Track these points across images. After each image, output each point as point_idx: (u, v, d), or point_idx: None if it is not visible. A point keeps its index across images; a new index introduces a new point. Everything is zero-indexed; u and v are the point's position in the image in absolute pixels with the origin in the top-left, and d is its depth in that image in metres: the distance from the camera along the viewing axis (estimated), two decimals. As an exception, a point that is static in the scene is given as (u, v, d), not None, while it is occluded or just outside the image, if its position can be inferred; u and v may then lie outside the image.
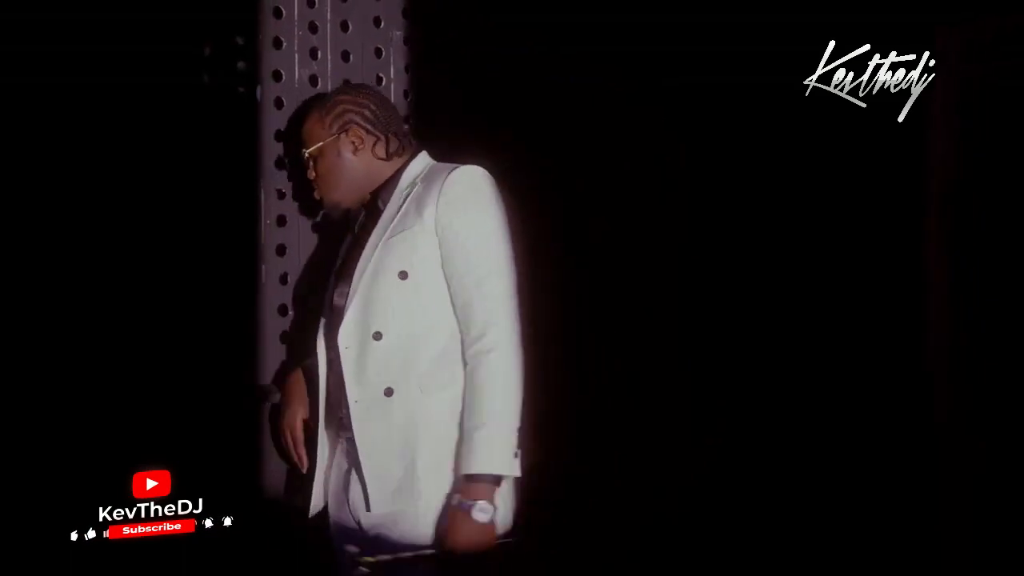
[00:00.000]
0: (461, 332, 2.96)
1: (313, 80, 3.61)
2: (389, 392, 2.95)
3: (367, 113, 3.16)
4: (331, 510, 3.19)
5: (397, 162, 3.18)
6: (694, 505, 3.63)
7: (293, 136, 3.53)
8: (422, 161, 3.17)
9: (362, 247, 3.08)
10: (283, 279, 3.55)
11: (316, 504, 3.18)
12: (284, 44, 3.55)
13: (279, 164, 3.55)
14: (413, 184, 3.10)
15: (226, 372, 3.39)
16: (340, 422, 3.11)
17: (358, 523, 3.06)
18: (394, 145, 3.17)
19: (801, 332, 3.43)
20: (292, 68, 3.57)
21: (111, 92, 3.18)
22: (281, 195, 3.55)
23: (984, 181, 3.05)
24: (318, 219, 3.62)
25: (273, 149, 3.54)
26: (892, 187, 3.20)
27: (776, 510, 3.47)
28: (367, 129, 3.15)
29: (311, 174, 3.20)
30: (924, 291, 3.17)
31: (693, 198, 3.67)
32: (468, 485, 2.83)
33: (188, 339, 3.32)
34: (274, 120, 3.55)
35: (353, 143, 3.13)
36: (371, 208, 3.17)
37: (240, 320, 3.44)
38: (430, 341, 2.98)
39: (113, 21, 3.14)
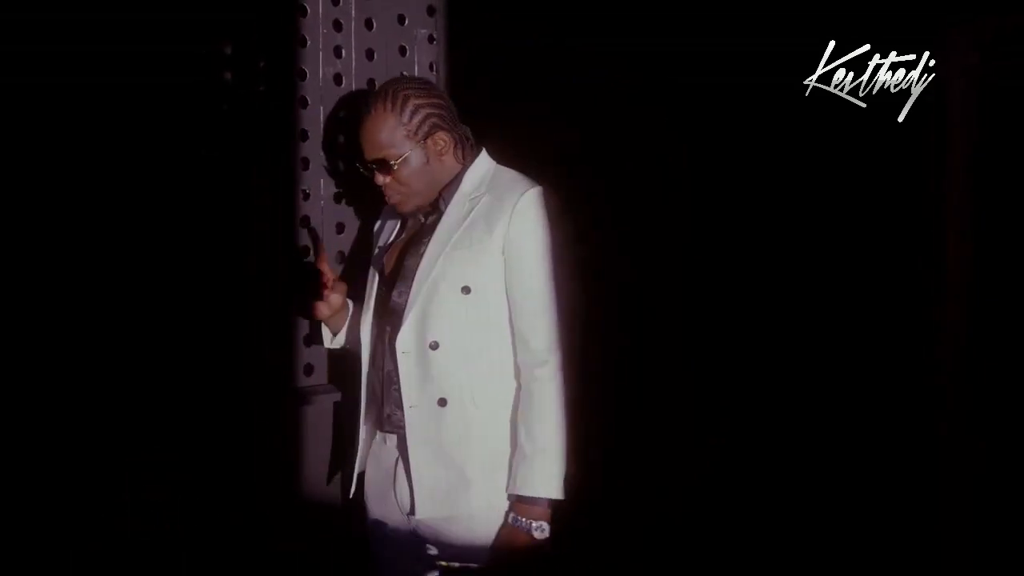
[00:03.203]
0: (518, 349, 3.03)
1: (337, 79, 3.61)
2: (443, 402, 3.01)
3: (445, 114, 3.13)
4: (372, 504, 3.26)
5: (466, 164, 3.17)
6: (697, 505, 3.63)
7: (345, 138, 3.55)
8: (484, 163, 3.17)
9: (420, 246, 3.11)
10: (308, 279, 3.55)
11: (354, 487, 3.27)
12: (309, 42, 3.56)
13: (304, 164, 3.55)
14: (478, 189, 3.10)
15: (248, 372, 3.39)
16: (387, 418, 3.15)
17: (407, 519, 3.12)
18: (467, 146, 3.19)
19: (803, 332, 3.43)
20: (317, 66, 3.58)
21: (127, 91, 3.18)
22: (306, 196, 3.56)
23: (999, 182, 3.04)
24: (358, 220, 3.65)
25: (298, 149, 3.54)
26: (892, 187, 3.19)
27: (778, 510, 3.47)
28: (449, 132, 3.13)
29: (384, 179, 3.12)
30: (924, 290, 3.16)
31: (695, 198, 3.67)
32: (529, 506, 2.95)
33: (211, 339, 3.33)
34: (298, 119, 3.55)
35: (439, 147, 3.11)
36: (431, 207, 3.17)
37: (264, 320, 3.44)
38: (486, 355, 3.04)
39: (135, 21, 3.15)
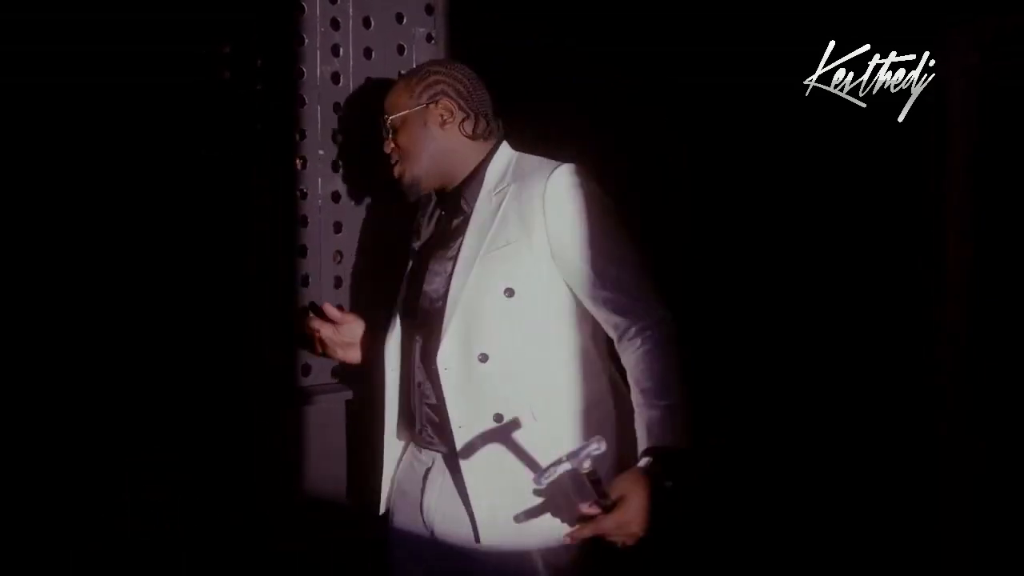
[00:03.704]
0: (611, 328, 2.83)
1: (335, 77, 3.59)
2: (499, 418, 2.81)
3: (460, 88, 3.06)
4: (397, 517, 3.12)
5: (482, 148, 3.06)
6: (697, 505, 3.63)
7: (343, 137, 3.55)
8: (505, 153, 3.06)
9: (448, 250, 2.98)
10: (304, 280, 3.54)
11: (384, 505, 3.14)
12: (306, 41, 3.54)
13: (302, 164, 3.54)
14: (502, 182, 2.97)
15: (248, 372, 3.38)
16: (419, 433, 3.01)
17: (431, 537, 2.98)
18: (482, 126, 3.06)
19: (803, 332, 3.43)
20: (314, 65, 3.56)
21: (124, 91, 3.18)
22: (303, 195, 3.55)
23: (999, 182, 3.05)
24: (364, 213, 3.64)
25: (295, 148, 3.53)
26: (892, 187, 3.20)
27: (779, 510, 3.47)
28: (458, 104, 3.04)
29: (389, 146, 3.08)
30: (924, 290, 3.17)
31: (695, 198, 3.68)
32: (659, 456, 2.69)
33: (211, 339, 3.31)
34: (296, 118, 3.53)
35: (441, 115, 3.03)
36: (454, 207, 3.06)
37: (263, 320, 3.44)
38: (542, 363, 2.86)
39: (131, 21, 3.15)
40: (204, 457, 3.22)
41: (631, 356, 2.80)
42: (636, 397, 2.78)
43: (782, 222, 3.44)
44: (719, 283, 3.63)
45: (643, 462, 2.69)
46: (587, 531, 2.69)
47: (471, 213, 2.97)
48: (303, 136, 3.54)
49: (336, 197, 3.63)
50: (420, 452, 3.06)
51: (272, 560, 3.28)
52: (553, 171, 2.88)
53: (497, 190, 2.97)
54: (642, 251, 2.93)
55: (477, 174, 3.03)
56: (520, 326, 2.85)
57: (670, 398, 2.73)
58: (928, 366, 3.10)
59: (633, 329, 2.79)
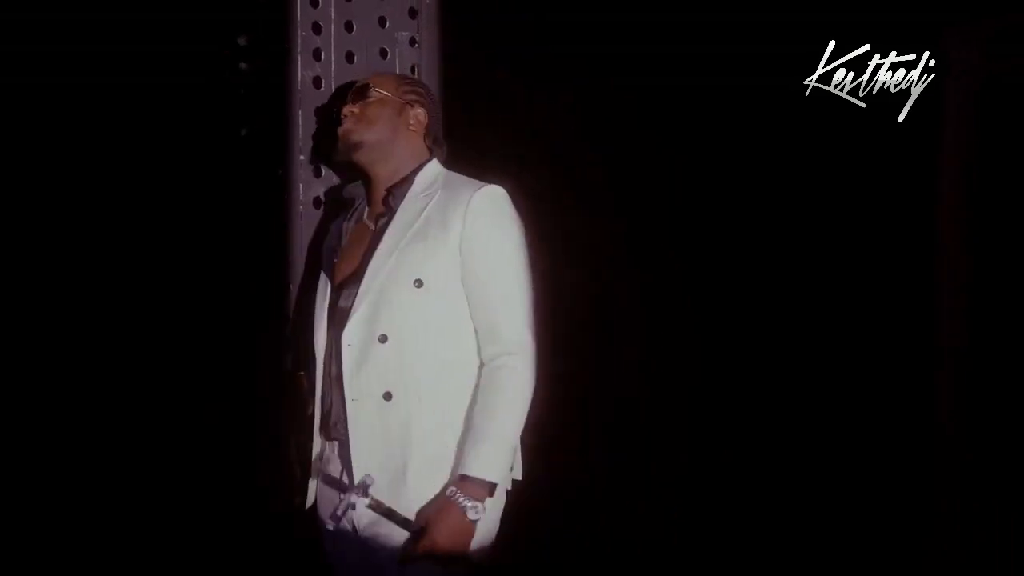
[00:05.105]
0: (484, 342, 2.96)
1: (317, 82, 3.54)
2: (388, 396, 2.94)
3: (435, 111, 3.17)
4: (323, 512, 3.11)
5: (419, 160, 3.13)
6: (697, 506, 3.63)
7: (325, 142, 3.52)
8: (435, 166, 3.13)
9: (374, 250, 3.04)
10: (285, 287, 3.51)
11: (310, 499, 3.16)
12: (288, 46, 3.50)
13: (284, 169, 3.51)
14: (430, 188, 3.07)
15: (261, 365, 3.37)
16: (333, 426, 3.06)
17: (353, 526, 2.99)
18: (437, 146, 3.16)
19: (802, 330, 3.44)
20: (296, 70, 3.52)
21: (122, 92, 3.16)
22: (285, 201, 3.51)
23: (997, 180, 3.07)
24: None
25: (277, 153, 3.50)
26: (891, 187, 3.21)
27: (779, 511, 3.47)
28: (431, 120, 3.14)
29: (352, 108, 3.11)
30: (923, 288, 3.18)
31: (695, 199, 3.67)
32: (467, 483, 2.84)
33: (207, 343, 3.30)
34: (277, 123, 3.50)
35: (415, 118, 3.12)
36: (384, 209, 3.11)
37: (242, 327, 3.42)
38: (435, 351, 2.97)
39: (117, 21, 3.13)
40: (204, 457, 3.20)
41: (488, 374, 2.94)
42: (476, 414, 2.93)
43: (781, 222, 3.45)
44: (718, 283, 3.63)
45: (450, 491, 2.86)
46: (404, 558, 2.88)
47: (396, 211, 3.08)
48: (285, 141, 3.51)
49: (318, 203, 3.58)
50: (334, 451, 3.10)
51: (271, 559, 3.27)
52: (483, 187, 3.00)
53: (425, 194, 3.07)
54: (531, 288, 2.97)
55: (407, 180, 3.11)
56: (423, 314, 2.96)
57: (500, 431, 2.89)
58: (926, 364, 3.13)
59: (502, 357, 2.93)
